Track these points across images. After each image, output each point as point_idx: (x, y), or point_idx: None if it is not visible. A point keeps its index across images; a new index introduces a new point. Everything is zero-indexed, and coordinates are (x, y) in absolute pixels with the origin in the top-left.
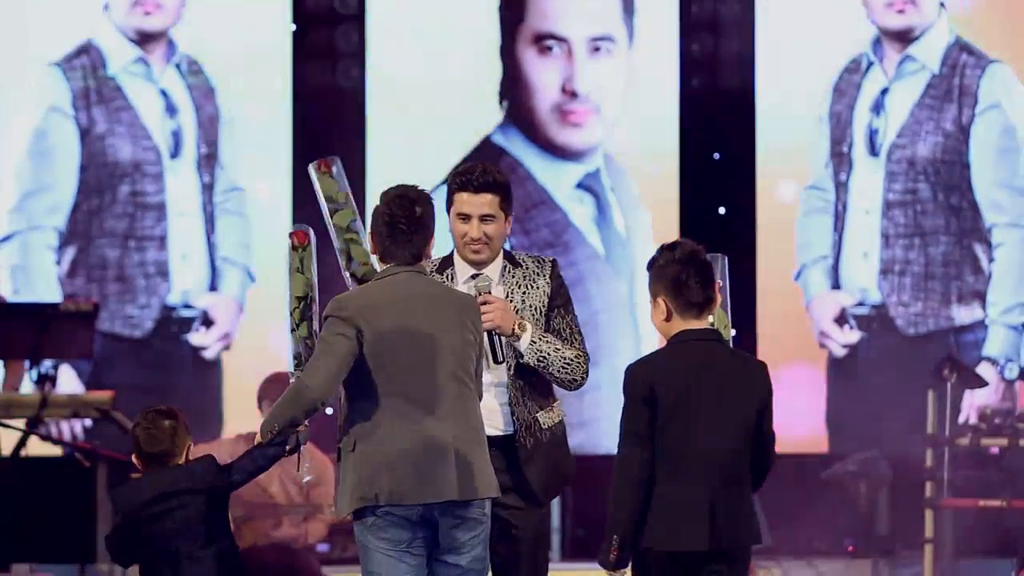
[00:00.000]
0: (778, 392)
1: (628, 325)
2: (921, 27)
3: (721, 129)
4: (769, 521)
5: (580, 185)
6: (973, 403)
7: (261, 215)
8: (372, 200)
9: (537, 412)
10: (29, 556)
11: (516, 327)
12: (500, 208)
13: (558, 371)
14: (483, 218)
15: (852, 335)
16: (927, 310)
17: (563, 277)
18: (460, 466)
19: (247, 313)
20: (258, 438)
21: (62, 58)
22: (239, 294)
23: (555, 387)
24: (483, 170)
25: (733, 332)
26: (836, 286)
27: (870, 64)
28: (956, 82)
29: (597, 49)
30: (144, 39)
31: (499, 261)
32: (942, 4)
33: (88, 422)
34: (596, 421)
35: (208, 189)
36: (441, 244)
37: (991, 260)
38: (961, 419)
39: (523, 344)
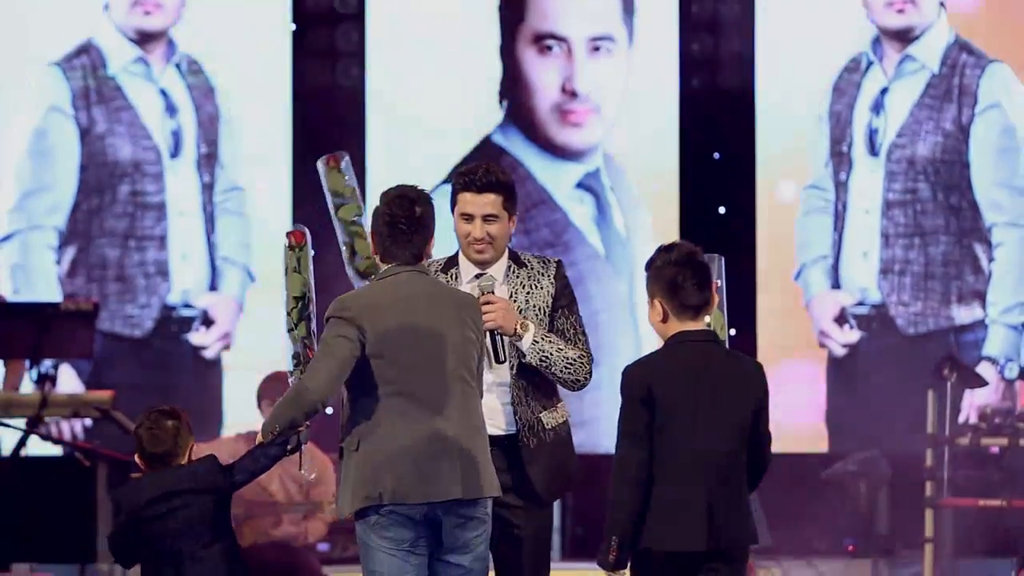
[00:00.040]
0: (778, 391)
1: (628, 325)
2: (921, 27)
3: (721, 129)
4: (769, 521)
5: (580, 185)
6: (973, 403)
7: (261, 215)
8: (372, 200)
9: (541, 412)
10: (29, 556)
11: (518, 327)
12: (503, 208)
13: (561, 371)
14: (486, 218)
15: (852, 335)
16: (927, 310)
17: (568, 278)
18: (464, 465)
19: (247, 313)
20: (259, 438)
21: (62, 58)
22: (239, 294)
23: (559, 388)
24: (486, 170)
25: (732, 332)
26: (836, 286)
27: (870, 64)
28: (956, 82)
29: (597, 49)
30: (144, 39)
31: (503, 261)
32: (942, 4)
33: (88, 422)
34: (596, 421)
35: (208, 189)
36: (446, 243)
37: (991, 260)
38: (961, 419)
39: (525, 344)
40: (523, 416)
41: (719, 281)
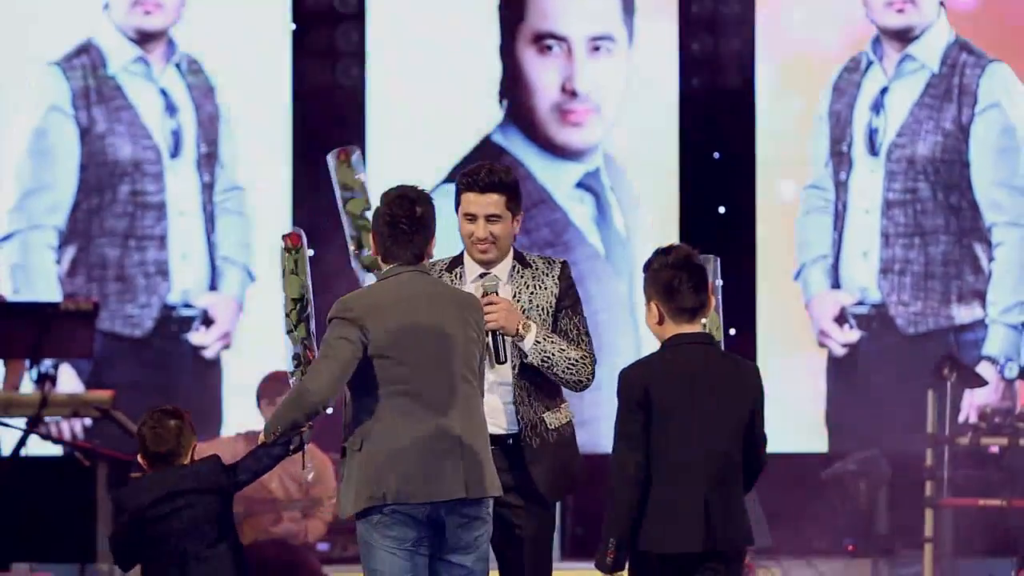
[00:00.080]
0: (777, 391)
1: (628, 325)
2: (921, 26)
3: (721, 129)
4: (769, 521)
5: (580, 184)
6: (973, 402)
7: (261, 214)
8: (372, 200)
9: (544, 412)
10: (29, 556)
11: (520, 327)
12: (506, 208)
13: (563, 372)
14: (489, 218)
15: (852, 334)
16: (927, 309)
17: (573, 279)
18: (467, 465)
19: (247, 312)
20: (262, 438)
21: (62, 57)
22: (239, 293)
23: (563, 388)
24: (489, 170)
25: (732, 331)
26: (836, 285)
27: (870, 63)
28: (956, 81)
29: (597, 48)
30: (144, 38)
31: (508, 261)
32: (942, 3)
33: (88, 421)
34: (596, 420)
35: (208, 188)
36: (448, 243)
37: (991, 259)
38: (961, 418)
39: (527, 344)
40: (525, 416)
41: (717, 282)
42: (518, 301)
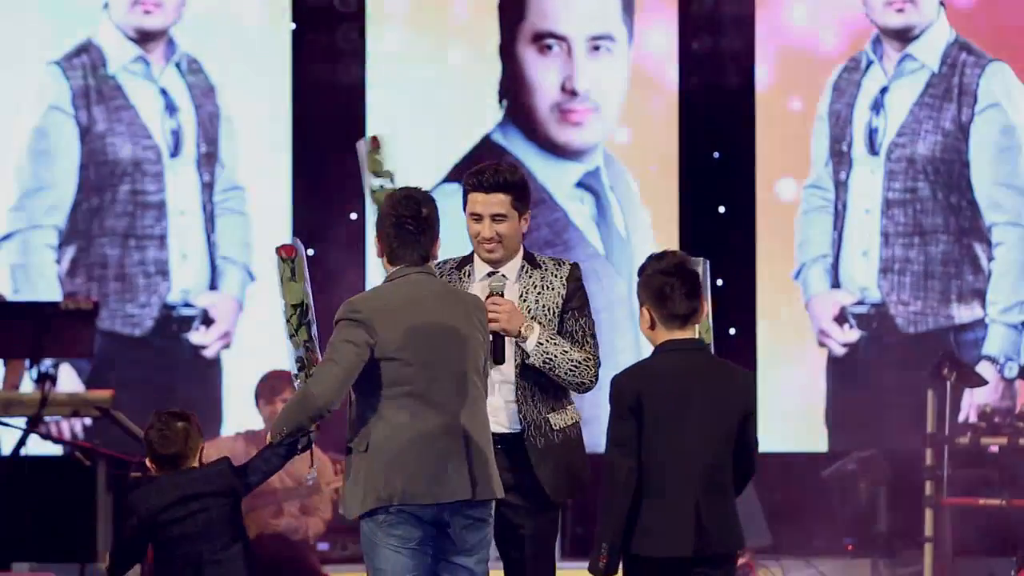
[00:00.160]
0: (777, 391)
1: (628, 325)
2: (921, 26)
3: (721, 128)
4: (769, 520)
5: (580, 184)
6: (973, 402)
7: (261, 214)
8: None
9: (548, 413)
10: (29, 556)
11: (523, 329)
12: (512, 207)
13: (565, 373)
14: (494, 217)
15: (852, 334)
16: (927, 309)
17: (582, 281)
18: (473, 466)
19: (247, 312)
20: (268, 439)
21: (62, 57)
22: (239, 293)
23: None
24: (495, 170)
25: (732, 331)
26: (836, 285)
27: (870, 63)
28: (956, 81)
29: (597, 48)
30: (144, 38)
31: (518, 260)
32: (942, 3)
33: (88, 421)
34: (596, 420)
35: (208, 188)
36: (451, 243)
37: (991, 259)
38: (961, 418)
39: (529, 345)
40: (528, 415)
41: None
42: (525, 301)
